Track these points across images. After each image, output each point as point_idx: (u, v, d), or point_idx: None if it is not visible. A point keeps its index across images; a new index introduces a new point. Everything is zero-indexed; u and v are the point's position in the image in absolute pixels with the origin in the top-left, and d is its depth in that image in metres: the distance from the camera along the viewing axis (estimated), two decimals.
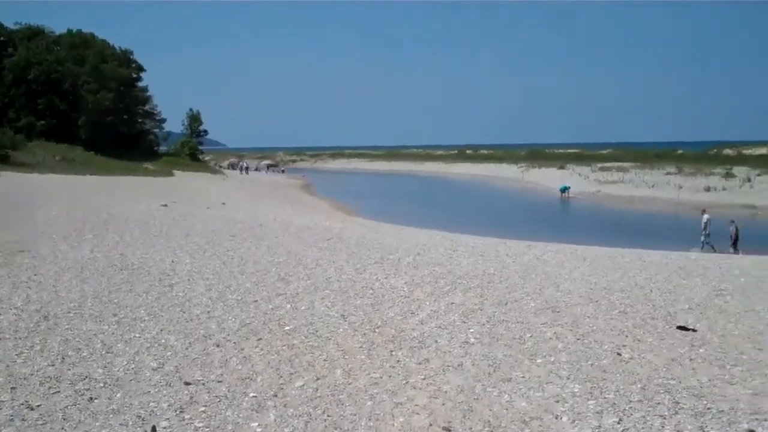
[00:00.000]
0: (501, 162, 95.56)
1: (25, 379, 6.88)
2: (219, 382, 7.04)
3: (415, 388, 6.96)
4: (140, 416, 6.09)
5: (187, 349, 8.11)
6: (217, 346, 8.28)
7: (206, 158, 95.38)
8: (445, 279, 12.69)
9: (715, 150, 79.53)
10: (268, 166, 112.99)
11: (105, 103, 70.22)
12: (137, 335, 8.57)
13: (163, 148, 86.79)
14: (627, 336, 8.91)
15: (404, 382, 7.14)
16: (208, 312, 9.84)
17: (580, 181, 63.54)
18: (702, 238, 26.47)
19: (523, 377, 7.29)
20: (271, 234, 19.37)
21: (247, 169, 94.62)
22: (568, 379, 7.23)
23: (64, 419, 5.99)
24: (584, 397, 6.68)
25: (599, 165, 73.59)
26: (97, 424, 5.91)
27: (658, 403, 6.51)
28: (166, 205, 27.91)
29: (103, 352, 7.83)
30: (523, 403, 6.56)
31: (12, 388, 6.63)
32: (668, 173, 60.51)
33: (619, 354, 8.11)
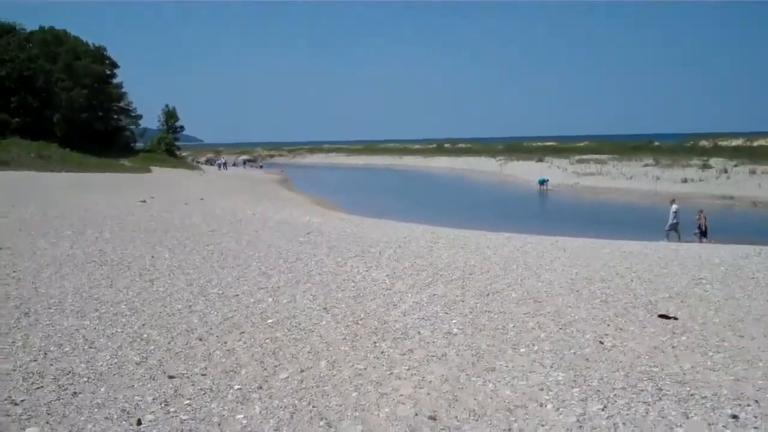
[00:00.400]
0: (479, 155, 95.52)
1: (7, 374, 6.81)
2: (203, 375, 7.01)
3: (399, 378, 6.98)
4: (125, 410, 6.05)
5: (169, 343, 8.06)
6: (200, 339, 8.24)
7: (183, 154, 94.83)
8: (427, 271, 12.71)
9: (691, 142, 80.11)
10: (245, 161, 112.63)
11: (79, 100, 69.51)
12: (119, 330, 8.51)
13: (139, 145, 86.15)
14: (609, 325, 8.98)
15: (389, 372, 7.15)
16: (190, 306, 9.79)
17: (559, 173, 63.80)
18: (666, 227, 26.68)
19: (506, 366, 7.33)
20: (251, 229, 19.30)
21: (225, 164, 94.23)
22: (551, 367, 7.27)
23: (48, 414, 5.94)
24: (568, 385, 6.73)
25: (577, 157, 73.71)
26: (82, 418, 5.87)
27: (642, 390, 6.57)
28: (144, 201, 27.72)
29: (86, 347, 7.76)
30: (508, 392, 6.59)
31: None
32: (646, 165, 60.83)
33: (601, 342, 8.17)
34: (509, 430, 5.81)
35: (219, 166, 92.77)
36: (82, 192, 31.60)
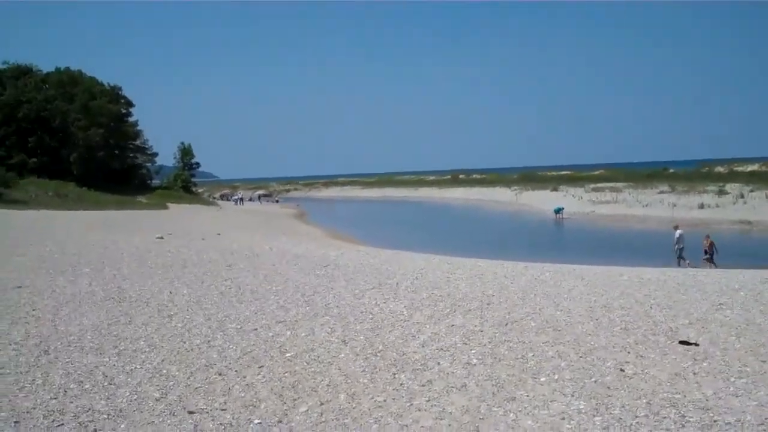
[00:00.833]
0: (494, 185, 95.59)
1: (28, 412, 6.84)
2: (223, 410, 7.01)
3: (419, 410, 6.94)
4: None
5: (189, 378, 8.07)
6: (219, 374, 8.25)
7: (199, 190, 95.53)
8: (445, 302, 12.68)
9: (706, 168, 79.85)
10: (261, 196, 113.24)
11: (95, 139, 70.33)
12: (138, 366, 8.54)
13: (156, 182, 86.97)
14: (629, 352, 8.91)
15: (408, 404, 7.12)
16: (209, 341, 9.81)
17: (574, 202, 63.66)
18: (676, 254, 26.58)
19: (527, 396, 7.27)
20: (268, 263, 19.34)
21: (241, 200, 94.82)
22: (572, 396, 7.21)
23: None
24: (590, 414, 6.66)
25: (592, 186, 73.68)
26: None
27: (665, 417, 6.50)
28: (162, 238, 27.86)
29: (105, 384, 7.79)
30: (529, 422, 6.53)
31: (15, 422, 6.58)
32: (661, 192, 60.64)
33: (622, 370, 8.10)
34: None
35: (235, 201, 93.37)
36: (99, 229, 31.85)
